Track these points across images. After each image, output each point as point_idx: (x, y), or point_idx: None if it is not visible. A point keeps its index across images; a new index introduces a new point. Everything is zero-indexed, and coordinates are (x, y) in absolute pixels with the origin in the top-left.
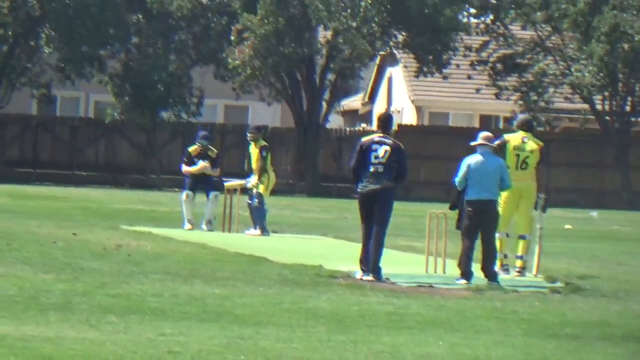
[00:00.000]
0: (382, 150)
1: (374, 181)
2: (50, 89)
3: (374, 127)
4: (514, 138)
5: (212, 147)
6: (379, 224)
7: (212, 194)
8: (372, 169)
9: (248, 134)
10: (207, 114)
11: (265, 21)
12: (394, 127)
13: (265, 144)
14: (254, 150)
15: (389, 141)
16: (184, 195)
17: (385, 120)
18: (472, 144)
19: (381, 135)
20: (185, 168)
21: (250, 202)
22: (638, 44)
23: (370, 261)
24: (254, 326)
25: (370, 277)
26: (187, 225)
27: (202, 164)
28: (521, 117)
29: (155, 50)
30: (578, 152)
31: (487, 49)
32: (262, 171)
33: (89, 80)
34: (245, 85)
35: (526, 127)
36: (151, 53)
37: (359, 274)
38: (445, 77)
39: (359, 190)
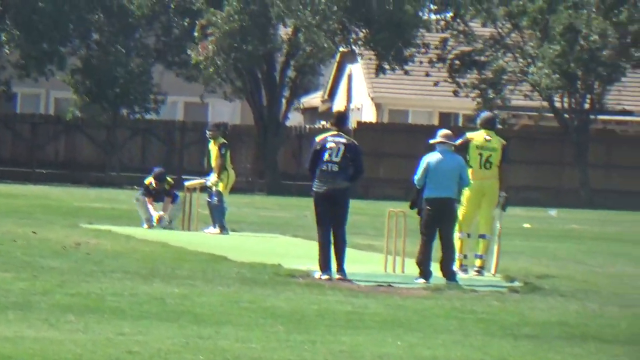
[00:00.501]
0: (336, 150)
1: (329, 181)
2: (10, 85)
3: (329, 124)
4: (477, 136)
5: (168, 180)
6: (338, 224)
7: (165, 222)
8: (325, 168)
9: (207, 132)
10: (167, 111)
11: (231, 18)
12: (354, 125)
13: (225, 141)
14: (213, 148)
15: (344, 140)
16: (134, 199)
17: (340, 118)
18: (431, 141)
19: (336, 133)
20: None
21: (209, 200)
22: (593, 43)
23: (330, 261)
24: (213, 325)
25: (327, 277)
26: (145, 225)
27: (157, 216)
28: (484, 115)
29: (116, 47)
30: (537, 150)
31: (447, 46)
32: (222, 169)
33: (48, 78)
34: (209, 82)
35: (490, 125)
36: (112, 50)
37: (317, 274)
38: (407, 72)
39: (314, 189)
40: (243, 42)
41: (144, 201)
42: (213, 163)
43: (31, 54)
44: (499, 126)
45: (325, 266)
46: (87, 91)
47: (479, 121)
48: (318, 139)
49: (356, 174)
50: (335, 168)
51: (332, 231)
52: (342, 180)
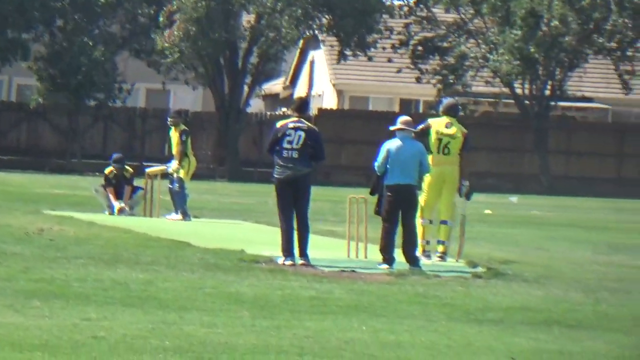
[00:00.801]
0: (296, 136)
1: (289, 167)
2: None
3: (290, 111)
4: (438, 123)
5: (127, 168)
6: (300, 209)
7: (127, 212)
8: (285, 155)
9: (169, 119)
10: (128, 98)
11: (198, 4)
12: (315, 111)
13: (186, 128)
14: (174, 135)
15: (304, 126)
16: (93, 190)
17: (301, 104)
18: (392, 128)
19: (297, 119)
20: (111, 200)
21: (171, 186)
22: (555, 29)
23: (293, 247)
24: (177, 311)
25: (290, 262)
26: (107, 212)
27: (117, 207)
28: (447, 101)
29: (79, 35)
30: (497, 136)
31: (410, 31)
32: (183, 156)
33: (11, 65)
34: (171, 69)
35: (452, 112)
36: (76, 38)
37: (280, 260)
38: (370, 59)
39: (275, 176)
40: (209, 29)
41: (103, 192)
42: (174, 150)
43: None
44: (461, 113)
45: (288, 252)
46: (51, 79)
47: (441, 108)
48: (279, 124)
49: (317, 160)
50: (296, 154)
51: (294, 217)
52: (303, 166)
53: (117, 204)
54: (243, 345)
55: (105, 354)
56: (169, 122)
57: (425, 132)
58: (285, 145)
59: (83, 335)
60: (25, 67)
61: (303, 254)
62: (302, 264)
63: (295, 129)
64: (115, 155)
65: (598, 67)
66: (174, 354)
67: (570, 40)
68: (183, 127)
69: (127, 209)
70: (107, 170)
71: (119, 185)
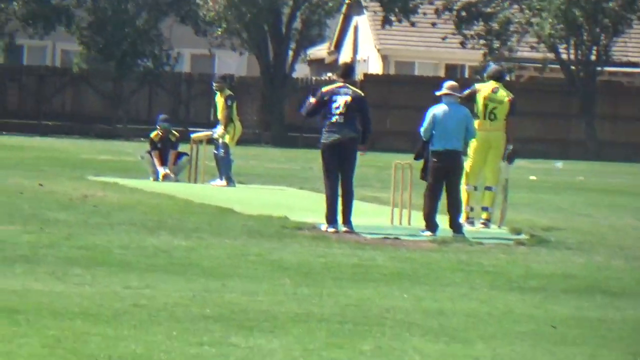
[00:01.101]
0: (342, 100)
1: (336, 131)
2: (14, 38)
3: (335, 76)
4: (485, 88)
5: (173, 132)
6: (346, 175)
7: (172, 177)
8: (333, 119)
9: (214, 84)
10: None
11: None
12: (360, 77)
13: (231, 93)
14: (219, 100)
15: (350, 91)
16: (139, 156)
17: (347, 70)
18: (437, 93)
19: (342, 85)
20: (156, 164)
21: (216, 152)
22: None
23: (337, 213)
24: (220, 279)
25: (333, 229)
26: (152, 178)
27: (162, 173)
28: (493, 67)
29: (123, 2)
30: (543, 102)
31: None
32: (228, 121)
33: (56, 31)
34: (219, 37)
35: (497, 77)
36: (121, 7)
37: (324, 226)
38: (413, 24)
39: (322, 141)
40: None
41: (149, 158)
42: (219, 115)
43: (39, 12)
44: (507, 78)
45: (332, 219)
46: (96, 46)
47: (486, 73)
48: (325, 89)
49: (365, 127)
50: (342, 119)
51: (339, 183)
52: (349, 131)
53: (161, 170)
54: (284, 314)
55: (146, 322)
56: (214, 87)
57: (472, 97)
58: (333, 110)
59: (124, 303)
60: (68, 33)
61: (347, 221)
62: (346, 231)
63: (342, 93)
64: (162, 116)
65: None
66: (215, 322)
67: (614, 5)
68: (228, 92)
69: (172, 175)
70: (153, 134)
71: (164, 150)
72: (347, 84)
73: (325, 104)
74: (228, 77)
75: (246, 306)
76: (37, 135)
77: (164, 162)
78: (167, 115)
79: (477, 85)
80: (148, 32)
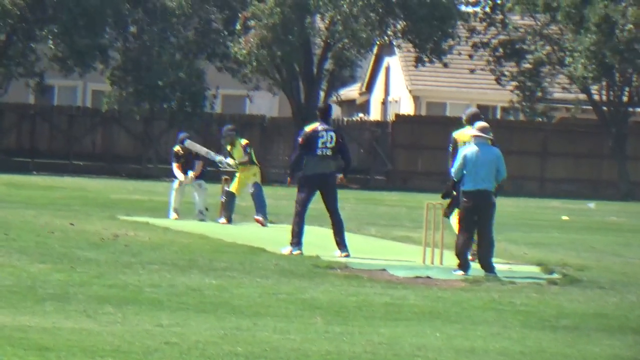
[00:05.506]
0: (328, 137)
1: (324, 165)
2: (43, 78)
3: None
4: (462, 134)
5: (240, 139)
6: (333, 207)
7: (196, 183)
8: (320, 153)
9: (224, 137)
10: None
11: (273, 10)
12: (392, 117)
13: (247, 141)
14: (236, 151)
15: (332, 128)
16: (176, 183)
17: (325, 111)
18: (468, 134)
19: (321, 123)
20: (176, 171)
21: (251, 191)
22: (629, 34)
23: (300, 235)
24: (251, 317)
25: (298, 251)
26: (173, 215)
27: (190, 175)
28: (470, 110)
29: (157, 44)
30: (575, 142)
31: (489, 32)
32: (246, 164)
33: (95, 70)
34: (252, 77)
35: (476, 121)
36: (153, 47)
37: (287, 250)
38: (446, 64)
39: (305, 174)
40: (284, 34)
41: (182, 187)
42: (237, 157)
43: (73, 50)
44: (539, 119)
45: (298, 242)
46: (131, 86)
47: (464, 117)
48: (308, 129)
49: (347, 163)
50: (329, 152)
51: (329, 215)
52: (335, 165)
53: (180, 176)
54: (316, 352)
55: None
56: (226, 141)
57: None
58: (320, 145)
59: (155, 341)
60: (99, 73)
61: (343, 247)
62: (344, 255)
63: (327, 130)
64: (182, 134)
65: None
66: None
67: None
68: (244, 141)
69: (191, 181)
70: (175, 148)
71: (187, 161)
72: (327, 124)
73: (311, 141)
74: (234, 129)
75: (277, 344)
76: (68, 175)
77: (185, 172)
78: (186, 134)
79: (455, 134)
80: (184, 71)
